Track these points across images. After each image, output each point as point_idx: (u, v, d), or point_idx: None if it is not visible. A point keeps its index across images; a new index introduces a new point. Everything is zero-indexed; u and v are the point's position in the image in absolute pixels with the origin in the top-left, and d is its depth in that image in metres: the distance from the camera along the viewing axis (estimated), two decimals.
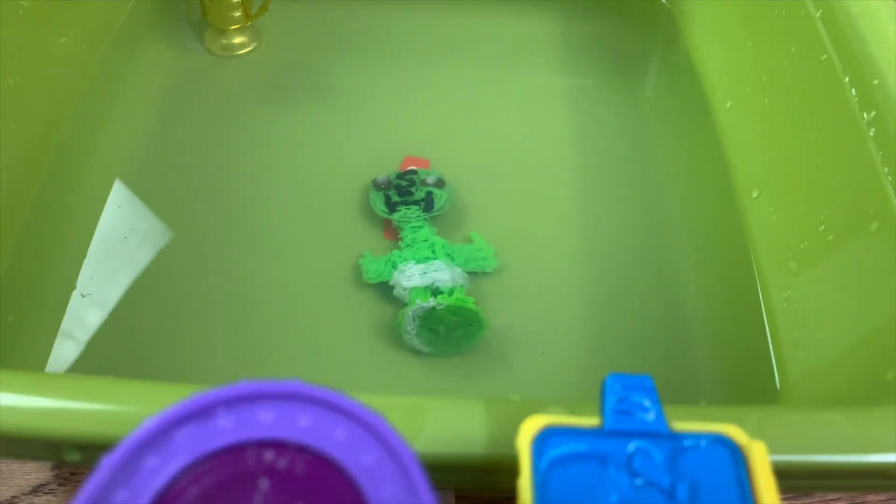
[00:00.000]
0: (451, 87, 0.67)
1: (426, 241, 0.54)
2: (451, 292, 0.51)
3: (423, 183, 0.57)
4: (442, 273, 0.51)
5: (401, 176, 0.58)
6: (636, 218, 0.59)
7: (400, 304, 0.52)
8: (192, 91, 0.65)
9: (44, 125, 0.58)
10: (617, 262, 0.55)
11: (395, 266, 0.53)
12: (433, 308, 0.48)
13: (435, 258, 0.53)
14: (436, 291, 0.51)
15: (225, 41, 0.68)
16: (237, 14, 0.65)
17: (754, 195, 0.52)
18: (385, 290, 0.52)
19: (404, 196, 0.56)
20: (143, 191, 0.58)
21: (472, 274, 0.54)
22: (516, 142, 0.64)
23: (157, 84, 0.65)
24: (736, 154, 0.55)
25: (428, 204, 0.56)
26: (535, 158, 0.63)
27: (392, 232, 0.56)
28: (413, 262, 0.52)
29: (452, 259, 0.53)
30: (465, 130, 0.64)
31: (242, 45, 0.68)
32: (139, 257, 0.54)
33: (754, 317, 0.48)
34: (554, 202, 0.59)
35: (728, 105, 0.57)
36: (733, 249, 0.52)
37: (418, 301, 0.48)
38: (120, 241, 0.55)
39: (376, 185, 0.57)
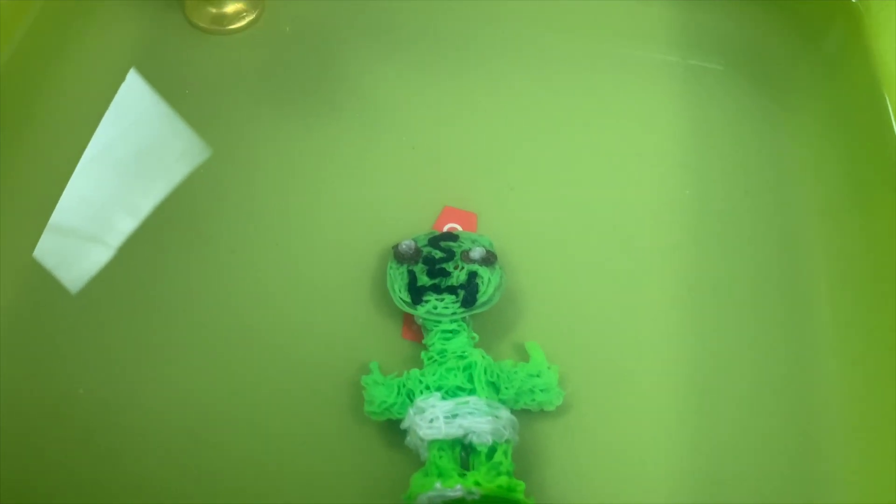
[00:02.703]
0: (515, 95, 0.48)
1: (462, 357, 0.36)
2: (490, 453, 0.34)
3: (466, 257, 0.39)
4: (479, 420, 0.34)
5: (434, 241, 0.41)
6: (775, 329, 0.40)
7: (414, 459, 0.35)
8: (161, 76, 0.47)
9: None
10: (751, 412, 0.37)
11: (411, 397, 0.36)
12: (462, 499, 0.32)
13: (472, 390, 0.35)
14: (468, 447, 0.34)
15: (214, 10, 0.49)
16: None
17: None
18: (396, 430, 0.36)
19: (437, 276, 0.39)
20: (72, 225, 0.42)
21: (526, 412, 0.37)
22: (606, 187, 0.44)
23: (114, 61, 0.47)
24: None
25: (469, 295, 0.38)
26: (631, 214, 0.43)
27: (415, 331, 0.39)
28: (438, 394, 0.35)
29: (498, 390, 0.36)
30: (533, 167, 0.45)
31: (237, 17, 0.49)
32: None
33: None
34: (659, 294, 0.41)
35: None
36: None
37: (437, 485, 0.31)
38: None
39: (399, 255, 0.40)
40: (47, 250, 0.41)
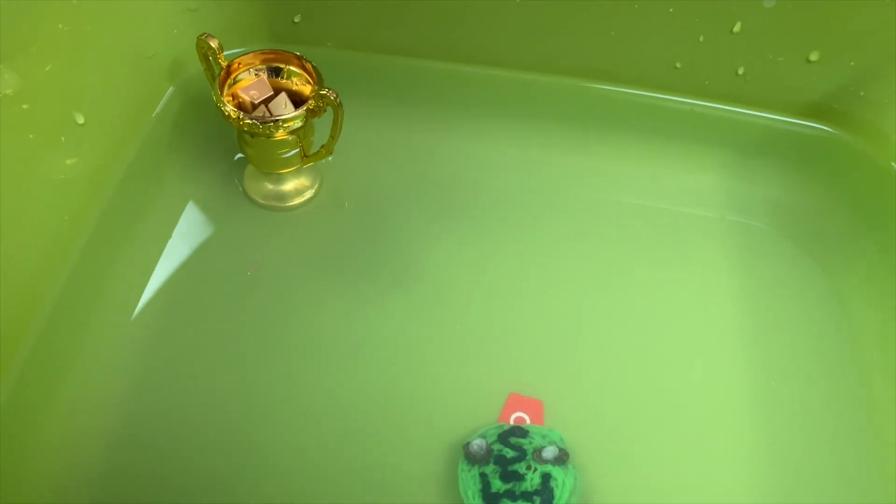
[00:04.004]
0: (573, 266, 0.48)
1: None
2: None
3: (538, 457, 0.39)
4: None
5: (504, 437, 0.40)
6: None
7: None
8: (221, 250, 0.48)
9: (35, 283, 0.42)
10: None
11: None
12: None
13: None
14: None
15: (271, 186, 0.50)
16: (289, 155, 0.47)
17: None
18: None
19: (510, 480, 0.38)
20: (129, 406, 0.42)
21: None
22: (670, 366, 0.44)
23: (177, 237, 0.48)
24: None
25: (545, 502, 0.37)
26: (699, 392, 0.43)
27: None
28: None
29: None
30: (594, 346, 0.45)
31: (297, 193, 0.50)
32: None
33: None
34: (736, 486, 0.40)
35: None
36: None
37: None
38: None
39: (470, 456, 0.39)
40: None
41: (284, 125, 0.44)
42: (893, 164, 0.51)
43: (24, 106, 0.41)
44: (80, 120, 0.43)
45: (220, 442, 0.40)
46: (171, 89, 0.52)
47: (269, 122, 0.43)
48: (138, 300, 0.45)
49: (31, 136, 0.41)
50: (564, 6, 0.50)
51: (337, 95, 0.43)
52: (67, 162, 0.44)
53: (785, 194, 0.52)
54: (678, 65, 0.52)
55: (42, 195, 0.42)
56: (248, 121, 0.43)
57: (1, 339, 0.40)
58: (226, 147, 0.52)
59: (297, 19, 0.53)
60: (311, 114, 0.44)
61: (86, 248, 0.45)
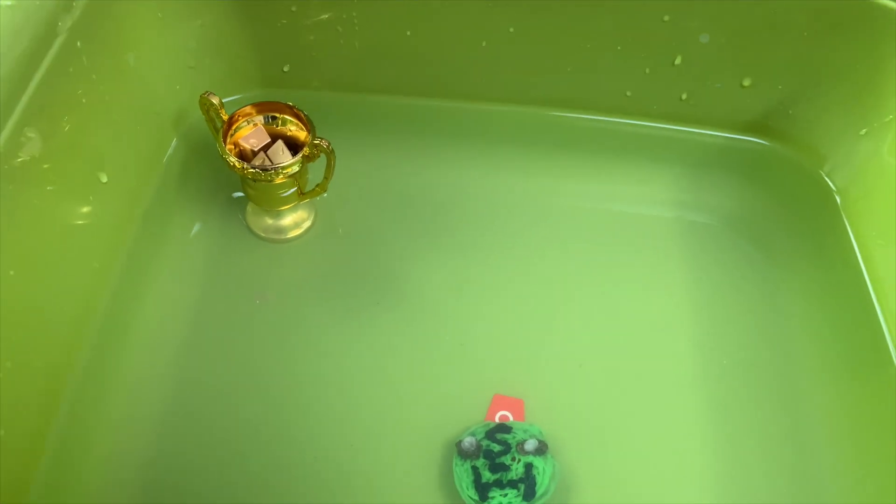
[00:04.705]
0: (542, 273, 0.55)
1: None
2: None
3: (521, 449, 0.45)
4: None
5: (491, 434, 0.46)
6: None
7: None
8: (225, 282, 0.54)
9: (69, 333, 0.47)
10: None
11: None
12: None
13: None
14: None
15: (270, 221, 0.56)
16: (287, 194, 0.53)
17: None
18: None
19: (498, 472, 0.44)
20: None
21: None
22: (629, 356, 0.51)
23: (187, 272, 0.54)
24: None
25: (529, 488, 0.43)
26: (655, 380, 0.50)
27: None
28: None
29: None
30: (565, 346, 0.51)
31: (295, 226, 0.56)
32: None
33: None
34: (688, 459, 0.47)
35: None
36: None
37: None
38: None
39: (463, 452, 0.45)
40: None
41: (283, 171, 0.49)
42: (821, 171, 0.58)
43: (45, 165, 0.46)
44: (104, 179, 0.49)
45: (236, 450, 0.46)
46: (175, 139, 0.57)
47: (269, 170, 0.49)
48: (164, 331, 0.50)
49: (61, 196, 0.46)
50: (525, 48, 0.56)
51: (329, 144, 0.49)
52: (88, 212, 0.50)
53: (730, 201, 0.59)
54: (628, 93, 0.58)
55: (74, 248, 0.47)
56: (251, 169, 0.49)
57: (53, 371, 0.45)
58: (227, 187, 0.58)
59: (286, 69, 0.59)
60: (306, 159, 0.50)
61: (116, 291, 0.51)
